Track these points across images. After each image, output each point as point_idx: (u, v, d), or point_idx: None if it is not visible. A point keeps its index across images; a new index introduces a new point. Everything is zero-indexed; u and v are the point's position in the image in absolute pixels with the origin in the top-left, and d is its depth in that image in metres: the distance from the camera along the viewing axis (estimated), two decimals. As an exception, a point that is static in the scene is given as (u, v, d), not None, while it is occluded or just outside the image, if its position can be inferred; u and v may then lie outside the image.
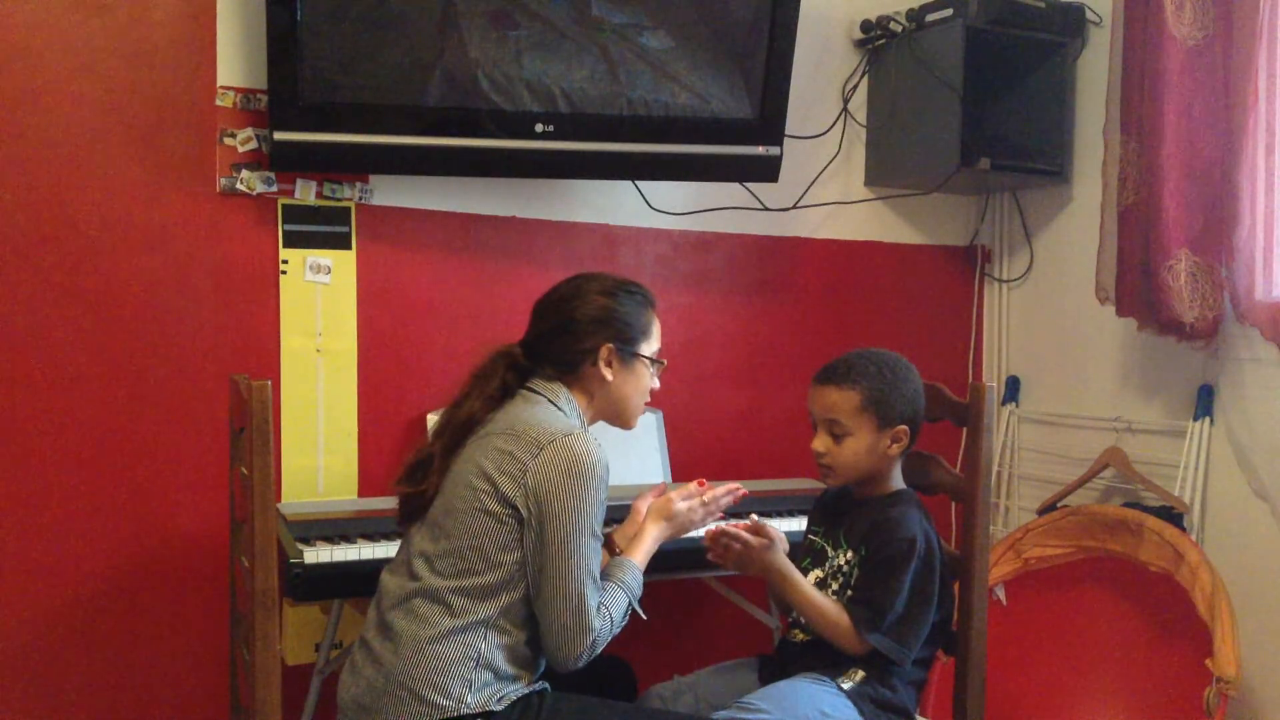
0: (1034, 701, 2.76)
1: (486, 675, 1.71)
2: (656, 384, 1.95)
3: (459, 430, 1.82)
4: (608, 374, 1.85)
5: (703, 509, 1.94)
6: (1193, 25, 2.53)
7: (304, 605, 2.42)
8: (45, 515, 2.31)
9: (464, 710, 1.68)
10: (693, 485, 1.97)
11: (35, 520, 2.30)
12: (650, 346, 1.91)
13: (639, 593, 1.83)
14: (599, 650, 1.75)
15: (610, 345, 1.85)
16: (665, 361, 1.95)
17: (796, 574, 1.88)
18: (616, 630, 1.78)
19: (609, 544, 1.94)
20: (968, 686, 1.96)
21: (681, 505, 1.93)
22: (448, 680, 1.69)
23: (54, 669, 2.34)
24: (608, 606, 1.76)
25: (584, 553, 1.71)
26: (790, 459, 2.94)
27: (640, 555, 1.87)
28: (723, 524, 1.89)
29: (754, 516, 1.88)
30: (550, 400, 1.83)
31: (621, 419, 1.93)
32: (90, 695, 2.37)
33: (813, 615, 1.86)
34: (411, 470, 1.84)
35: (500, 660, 1.72)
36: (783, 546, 1.91)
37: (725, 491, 1.97)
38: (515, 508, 1.71)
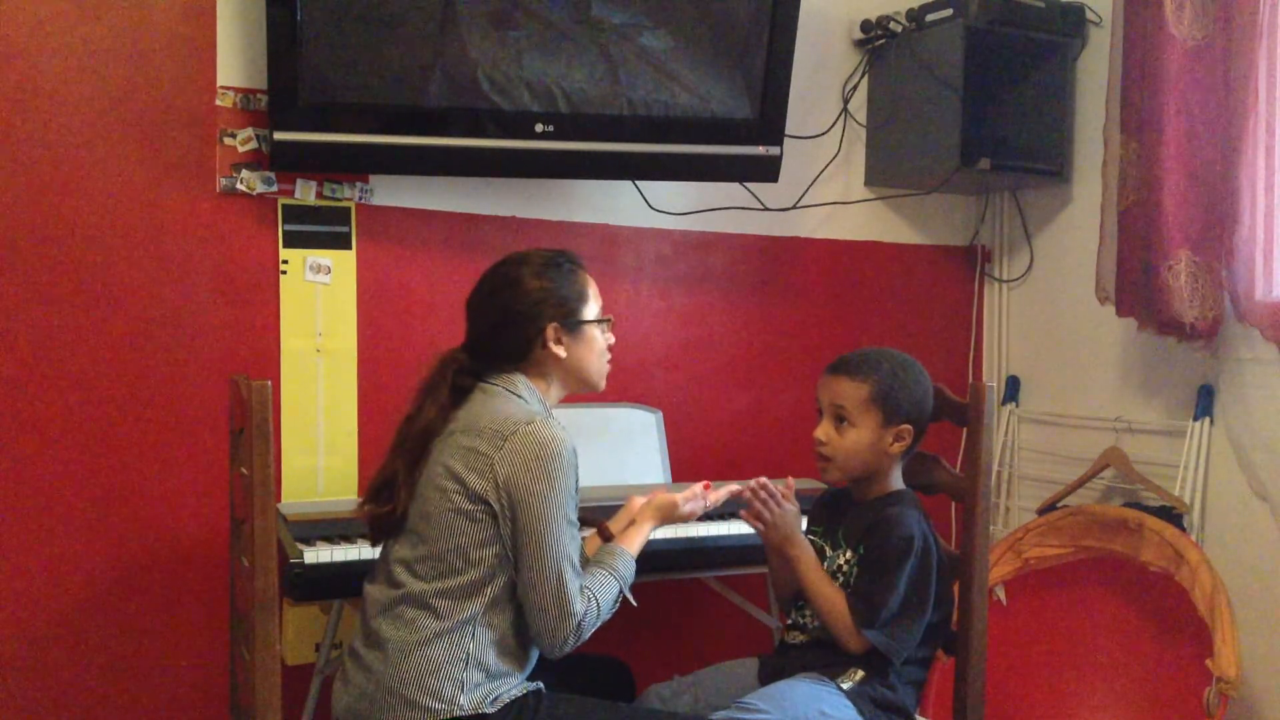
0: (1034, 701, 2.76)
1: (478, 675, 1.70)
2: (611, 339, 1.93)
3: (418, 442, 1.79)
4: (560, 351, 1.83)
5: (702, 507, 1.98)
6: (1193, 25, 2.53)
7: (304, 605, 2.42)
8: (45, 515, 2.31)
9: (457, 712, 1.68)
10: (698, 487, 1.98)
11: (35, 520, 2.30)
12: (592, 309, 1.88)
13: (630, 580, 1.83)
14: (586, 635, 1.73)
15: (554, 324, 1.82)
16: (612, 318, 1.93)
17: (812, 554, 1.90)
18: (605, 616, 1.77)
19: (602, 531, 1.94)
20: (968, 686, 1.96)
21: (685, 507, 1.95)
22: (439, 682, 1.68)
23: (54, 669, 2.34)
24: (593, 590, 1.74)
25: (560, 538, 1.70)
26: (791, 459, 2.93)
27: (634, 544, 1.88)
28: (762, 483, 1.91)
29: (790, 479, 1.86)
30: (509, 390, 1.81)
31: (588, 385, 1.91)
32: (90, 695, 2.37)
33: (817, 599, 1.87)
34: (377, 490, 1.81)
35: (490, 657, 1.72)
36: None
37: (727, 494, 2.00)
38: (487, 503, 1.71)
